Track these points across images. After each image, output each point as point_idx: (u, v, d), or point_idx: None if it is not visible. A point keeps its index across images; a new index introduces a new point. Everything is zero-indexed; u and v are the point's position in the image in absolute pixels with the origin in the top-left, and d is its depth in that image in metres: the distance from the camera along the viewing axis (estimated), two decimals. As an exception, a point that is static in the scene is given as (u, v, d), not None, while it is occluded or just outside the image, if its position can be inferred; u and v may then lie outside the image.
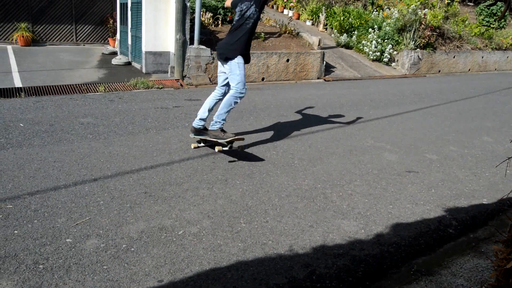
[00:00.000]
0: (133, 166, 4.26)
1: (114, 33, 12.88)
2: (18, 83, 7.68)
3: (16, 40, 12.09)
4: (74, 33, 13.15)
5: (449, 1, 16.17)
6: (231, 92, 4.51)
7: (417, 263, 2.92)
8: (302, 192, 3.95)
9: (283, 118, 6.50)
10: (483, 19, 19.10)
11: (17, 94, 6.92)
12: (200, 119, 4.75)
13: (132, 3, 10.16)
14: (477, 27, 16.20)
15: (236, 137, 4.51)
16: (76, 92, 7.39)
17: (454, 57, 14.24)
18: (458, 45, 14.51)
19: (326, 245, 3.08)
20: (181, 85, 8.71)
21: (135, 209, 3.38)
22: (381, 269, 2.85)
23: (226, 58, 4.51)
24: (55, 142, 4.78)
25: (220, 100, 4.78)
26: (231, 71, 4.50)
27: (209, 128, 4.74)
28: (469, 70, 15.03)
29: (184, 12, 8.70)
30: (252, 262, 2.78)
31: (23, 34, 12.02)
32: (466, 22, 16.06)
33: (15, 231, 2.95)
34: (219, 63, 4.68)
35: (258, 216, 3.42)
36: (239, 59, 4.48)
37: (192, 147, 4.83)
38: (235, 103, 4.55)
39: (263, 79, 9.86)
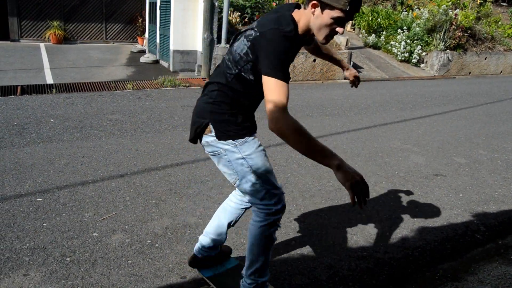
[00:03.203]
0: (159, 163, 4.31)
1: (143, 32, 13.08)
2: (49, 80, 7.89)
3: (48, 38, 12.41)
4: (104, 31, 13.41)
5: (482, 1, 15.77)
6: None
7: (443, 268, 2.86)
8: (326, 193, 3.92)
9: (308, 118, 6.47)
10: (517, 20, 18.57)
11: (49, 90, 7.09)
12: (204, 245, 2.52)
13: (161, 2, 10.29)
14: (510, 28, 15.76)
15: None
16: (105, 89, 7.53)
17: (485, 59, 13.89)
18: (490, 46, 14.14)
19: (349, 247, 3.05)
20: (208, 83, 8.76)
21: (160, 206, 3.42)
22: (405, 273, 2.81)
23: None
24: (83, 138, 4.89)
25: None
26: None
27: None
28: (501, 72, 14.63)
29: (212, 11, 8.75)
30: (275, 262, 2.78)
31: (55, 32, 12.33)
32: (499, 23, 15.64)
33: (44, 224, 3.03)
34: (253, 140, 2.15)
35: (282, 215, 3.41)
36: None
37: None
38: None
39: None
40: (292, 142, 1.84)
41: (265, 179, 2.09)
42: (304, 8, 1.91)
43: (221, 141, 2.08)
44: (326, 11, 1.82)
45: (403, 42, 12.65)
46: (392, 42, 12.96)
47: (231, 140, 2.06)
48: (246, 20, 10.32)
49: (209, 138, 2.10)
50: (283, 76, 1.83)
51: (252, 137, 2.12)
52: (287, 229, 3.21)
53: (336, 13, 1.81)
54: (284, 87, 1.84)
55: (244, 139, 2.08)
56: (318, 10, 1.85)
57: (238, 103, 2.08)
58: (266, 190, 2.09)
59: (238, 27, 9.99)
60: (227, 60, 2.07)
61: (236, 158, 2.08)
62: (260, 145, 2.14)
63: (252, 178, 2.08)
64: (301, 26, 1.93)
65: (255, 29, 1.92)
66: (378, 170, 4.60)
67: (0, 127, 5.03)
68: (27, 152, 4.34)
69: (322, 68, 10.21)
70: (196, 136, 2.18)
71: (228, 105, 2.06)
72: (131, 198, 3.52)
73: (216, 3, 8.83)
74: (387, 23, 13.62)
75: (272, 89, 1.83)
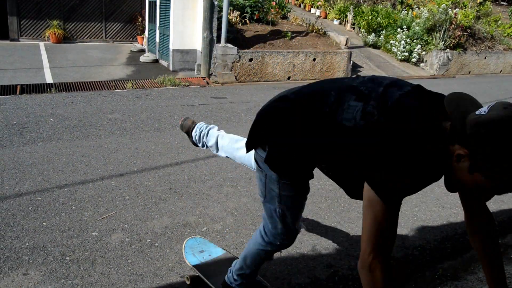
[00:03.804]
0: (159, 162, 4.31)
1: (143, 31, 13.05)
2: (49, 79, 7.88)
3: (48, 37, 12.38)
4: (103, 30, 13.38)
5: (481, 1, 15.77)
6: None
7: (443, 268, 2.86)
8: (326, 192, 3.92)
9: (308, 118, 6.45)
10: (516, 19, 18.56)
11: (48, 89, 7.09)
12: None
13: (160, 1, 10.28)
14: (510, 27, 15.76)
15: None
16: (105, 89, 7.52)
17: (485, 58, 13.89)
18: (489, 45, 14.13)
19: (349, 246, 3.05)
20: (207, 83, 8.77)
21: (159, 205, 3.42)
22: (405, 273, 2.80)
23: None
24: (83, 137, 4.89)
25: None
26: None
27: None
28: (501, 71, 14.63)
29: (212, 10, 8.75)
30: (275, 261, 2.78)
31: (54, 31, 12.31)
32: (499, 22, 15.65)
33: (44, 223, 3.03)
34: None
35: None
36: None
37: None
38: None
39: (289, 78, 9.83)
40: None
41: (284, 220, 1.89)
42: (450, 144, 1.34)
43: (267, 165, 1.76)
44: (476, 174, 1.30)
45: (402, 41, 12.64)
46: (391, 41, 12.96)
47: (276, 175, 1.78)
48: (246, 19, 10.32)
49: (261, 152, 1.79)
50: (389, 198, 1.38)
51: (299, 182, 1.86)
52: (286, 228, 3.21)
53: (488, 184, 1.33)
54: (381, 215, 1.38)
55: (289, 182, 1.80)
56: (465, 163, 1.31)
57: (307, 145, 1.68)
58: (282, 225, 1.91)
59: (238, 27, 9.98)
60: (319, 94, 1.60)
61: (272, 188, 1.83)
62: (303, 192, 1.91)
63: (276, 210, 1.88)
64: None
65: (388, 121, 1.38)
66: (378, 169, 4.59)
67: (0, 126, 5.02)
68: (26, 152, 4.33)
69: (322, 67, 10.21)
70: (250, 144, 1.83)
71: (297, 136, 1.67)
72: (130, 197, 3.52)
73: (216, 2, 8.83)
74: (386, 22, 13.61)
75: (369, 208, 1.42)
